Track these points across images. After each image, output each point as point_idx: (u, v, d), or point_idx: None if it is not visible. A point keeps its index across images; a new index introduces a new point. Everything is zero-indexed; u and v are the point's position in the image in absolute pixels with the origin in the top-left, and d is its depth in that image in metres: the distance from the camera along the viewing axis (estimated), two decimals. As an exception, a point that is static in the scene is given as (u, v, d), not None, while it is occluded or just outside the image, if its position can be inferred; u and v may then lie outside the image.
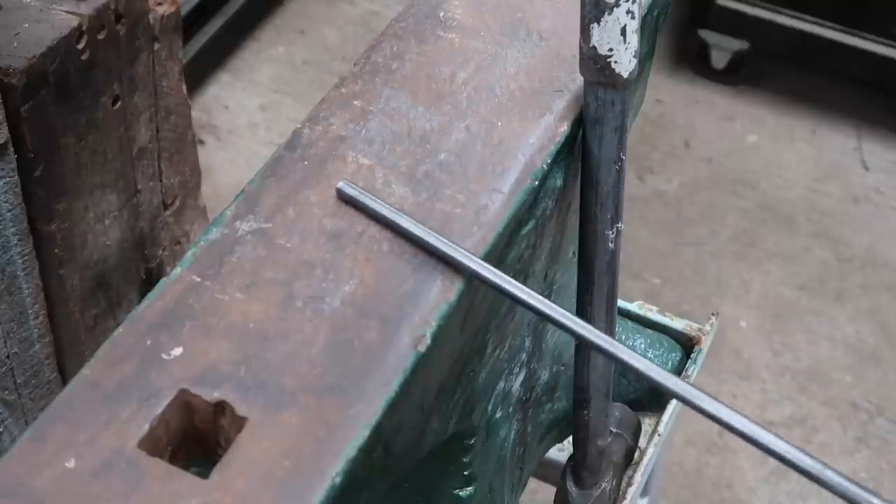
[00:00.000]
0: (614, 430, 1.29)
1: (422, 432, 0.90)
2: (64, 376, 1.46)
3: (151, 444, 0.73)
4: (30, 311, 1.36)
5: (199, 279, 0.82)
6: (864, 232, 2.59)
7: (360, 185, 0.90)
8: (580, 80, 0.96)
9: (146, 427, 0.73)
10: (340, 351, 0.79)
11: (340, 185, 0.88)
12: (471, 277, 0.85)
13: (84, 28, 1.27)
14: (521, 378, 1.13)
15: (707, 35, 2.88)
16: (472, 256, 0.84)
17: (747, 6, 2.80)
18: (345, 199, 0.88)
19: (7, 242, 1.29)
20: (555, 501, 1.31)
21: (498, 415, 1.09)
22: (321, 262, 0.84)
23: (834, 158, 2.76)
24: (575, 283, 1.09)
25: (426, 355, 0.80)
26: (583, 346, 1.12)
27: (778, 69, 2.93)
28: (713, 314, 1.48)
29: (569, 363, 1.23)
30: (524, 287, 0.85)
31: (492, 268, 0.84)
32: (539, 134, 0.95)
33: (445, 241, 0.84)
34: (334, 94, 0.99)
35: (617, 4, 0.87)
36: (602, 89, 0.92)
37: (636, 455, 1.35)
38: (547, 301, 0.84)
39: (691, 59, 2.95)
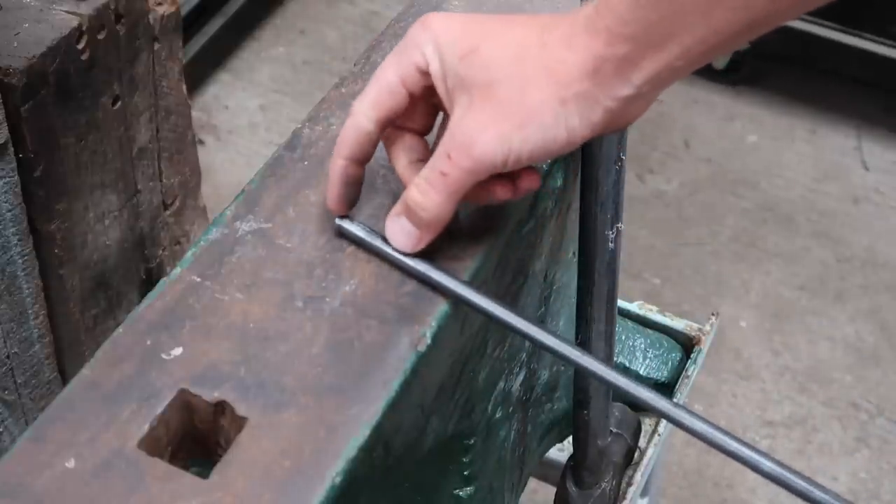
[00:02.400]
0: (614, 430, 1.29)
1: (422, 432, 0.90)
2: (64, 376, 1.46)
3: (151, 444, 0.73)
4: (30, 311, 1.36)
5: (199, 279, 0.82)
6: (864, 232, 2.59)
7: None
8: (580, 80, 0.95)
9: (146, 427, 0.73)
10: (340, 351, 0.79)
11: (338, 221, 0.86)
12: (484, 318, 0.84)
13: (84, 28, 1.27)
14: (521, 378, 1.13)
15: (707, 35, 2.87)
16: (483, 297, 0.83)
17: (747, 6, 2.80)
18: (345, 237, 0.86)
19: (7, 242, 1.29)
20: (555, 501, 1.31)
21: (498, 415, 1.09)
22: (321, 262, 0.84)
23: (834, 158, 2.76)
24: (575, 283, 1.09)
25: (426, 355, 0.80)
26: (583, 346, 1.12)
27: (778, 69, 2.93)
28: (713, 314, 1.48)
29: (569, 363, 1.23)
30: (539, 328, 0.83)
31: (503, 307, 0.83)
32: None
33: (455, 280, 0.83)
34: (334, 94, 0.99)
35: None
36: (602, 89, 0.92)
37: (636, 455, 1.35)
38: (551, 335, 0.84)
39: (691, 59, 2.94)
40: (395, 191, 0.90)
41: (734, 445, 0.76)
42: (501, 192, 0.83)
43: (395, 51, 0.82)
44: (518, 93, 0.76)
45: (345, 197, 0.85)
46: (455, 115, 0.78)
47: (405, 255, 0.83)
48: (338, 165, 0.83)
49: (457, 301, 0.83)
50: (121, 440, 0.72)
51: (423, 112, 0.84)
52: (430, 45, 0.79)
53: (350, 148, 0.83)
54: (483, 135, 0.76)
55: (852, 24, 2.74)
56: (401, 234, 0.82)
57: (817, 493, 0.74)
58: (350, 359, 0.78)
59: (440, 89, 0.79)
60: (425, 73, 0.80)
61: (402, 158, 0.85)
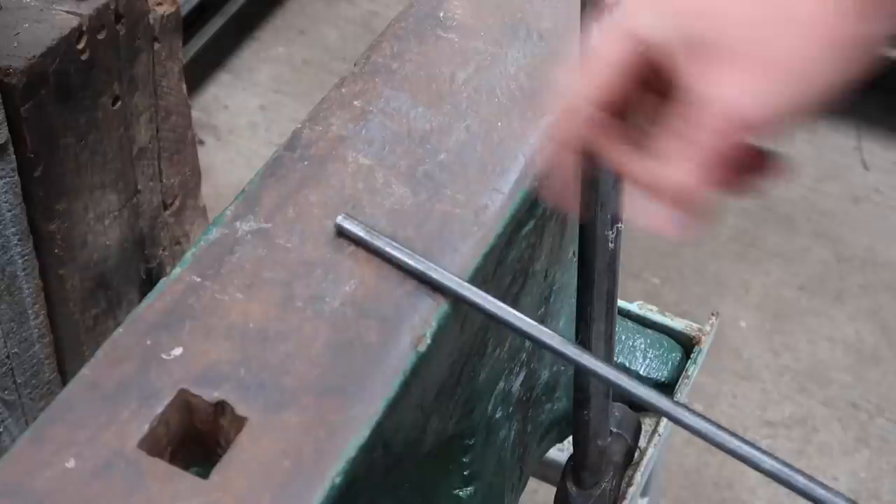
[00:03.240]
0: (614, 430, 1.29)
1: (422, 432, 0.90)
2: (64, 376, 1.46)
3: (151, 444, 0.73)
4: (30, 311, 1.36)
5: (199, 279, 0.82)
6: (864, 232, 2.59)
7: (360, 185, 0.90)
8: (580, 80, 0.95)
9: (146, 427, 0.73)
10: (340, 351, 0.79)
11: (340, 220, 0.86)
12: (485, 317, 0.84)
13: (84, 28, 1.27)
14: (521, 378, 1.13)
15: (707, 35, 2.87)
16: (483, 295, 0.83)
17: (747, 6, 2.80)
18: (345, 235, 0.86)
19: (7, 242, 1.29)
20: (555, 501, 1.30)
21: (498, 415, 1.09)
22: (321, 262, 0.84)
23: (834, 158, 2.76)
24: (575, 283, 1.09)
25: (426, 355, 0.80)
26: (583, 346, 1.12)
27: (778, 69, 2.93)
28: (713, 314, 1.48)
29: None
30: (540, 326, 0.83)
31: (504, 306, 0.83)
32: (539, 134, 0.95)
33: (455, 279, 0.83)
34: (334, 94, 0.99)
35: (617, 4, 0.86)
36: (602, 89, 0.92)
37: (636, 455, 1.35)
38: (558, 336, 0.84)
39: (691, 59, 2.94)
40: (398, 192, 0.90)
41: (735, 443, 0.76)
42: (749, 177, 0.76)
43: (610, 24, 0.74)
44: (766, 44, 0.69)
45: (566, 191, 0.78)
46: (696, 84, 0.70)
47: (405, 254, 0.84)
48: (558, 154, 0.75)
49: (457, 300, 0.83)
50: (121, 440, 0.72)
51: (640, 93, 0.74)
52: (652, 13, 0.71)
53: (569, 134, 0.74)
54: (735, 96, 0.69)
55: (852, 24, 2.73)
56: (669, 223, 0.73)
57: (819, 491, 0.74)
58: (350, 359, 0.78)
59: (670, 58, 0.71)
60: (649, 45, 0.71)
61: (622, 145, 0.75)
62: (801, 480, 0.74)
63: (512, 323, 0.82)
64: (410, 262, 0.83)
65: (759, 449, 0.76)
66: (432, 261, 0.83)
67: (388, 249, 0.84)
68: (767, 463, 0.75)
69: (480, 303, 0.83)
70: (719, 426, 0.77)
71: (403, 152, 0.93)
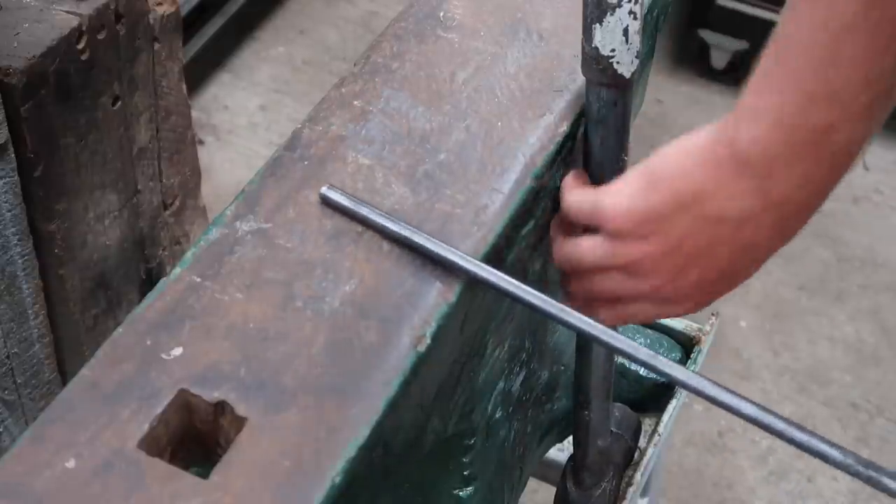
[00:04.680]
0: (614, 431, 1.29)
1: (422, 432, 0.90)
2: (64, 376, 1.46)
3: (151, 444, 0.73)
4: (30, 311, 1.36)
5: (199, 279, 0.82)
6: (864, 232, 2.59)
7: (360, 185, 0.90)
8: (580, 79, 0.96)
9: (146, 427, 0.73)
10: (340, 351, 0.79)
11: (324, 190, 0.87)
12: (469, 280, 0.85)
13: (84, 28, 1.27)
14: (521, 378, 1.13)
15: (707, 35, 2.88)
16: (466, 256, 0.84)
17: (747, 6, 2.80)
18: (330, 206, 0.87)
19: (7, 242, 1.29)
20: (555, 501, 1.31)
21: (498, 415, 1.09)
22: (321, 262, 0.84)
23: (834, 158, 2.76)
24: (575, 283, 1.09)
25: (426, 355, 0.80)
26: (583, 346, 1.12)
27: (778, 69, 2.93)
28: (713, 314, 1.48)
29: (569, 363, 1.23)
30: (518, 283, 0.85)
31: (485, 266, 0.85)
32: (539, 134, 0.95)
33: (440, 243, 0.84)
34: (334, 94, 0.99)
35: (619, 5, 0.86)
36: (604, 90, 0.92)
37: (636, 455, 1.35)
38: (544, 297, 0.85)
39: (691, 59, 2.95)
40: (398, 192, 0.90)
41: (750, 408, 0.78)
42: None
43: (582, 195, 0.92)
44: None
45: None
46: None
47: (389, 220, 0.85)
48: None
49: (451, 268, 0.84)
50: (121, 440, 0.72)
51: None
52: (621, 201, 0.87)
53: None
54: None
55: (852, 24, 2.73)
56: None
57: (835, 454, 0.75)
58: (350, 359, 0.78)
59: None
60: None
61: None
62: (818, 444, 0.76)
63: (493, 283, 0.85)
64: (396, 228, 0.84)
65: (773, 413, 0.77)
66: (418, 229, 0.84)
67: (373, 217, 0.85)
68: (785, 428, 0.76)
69: (469, 268, 0.84)
70: (735, 392, 0.79)
71: (403, 152, 0.93)
